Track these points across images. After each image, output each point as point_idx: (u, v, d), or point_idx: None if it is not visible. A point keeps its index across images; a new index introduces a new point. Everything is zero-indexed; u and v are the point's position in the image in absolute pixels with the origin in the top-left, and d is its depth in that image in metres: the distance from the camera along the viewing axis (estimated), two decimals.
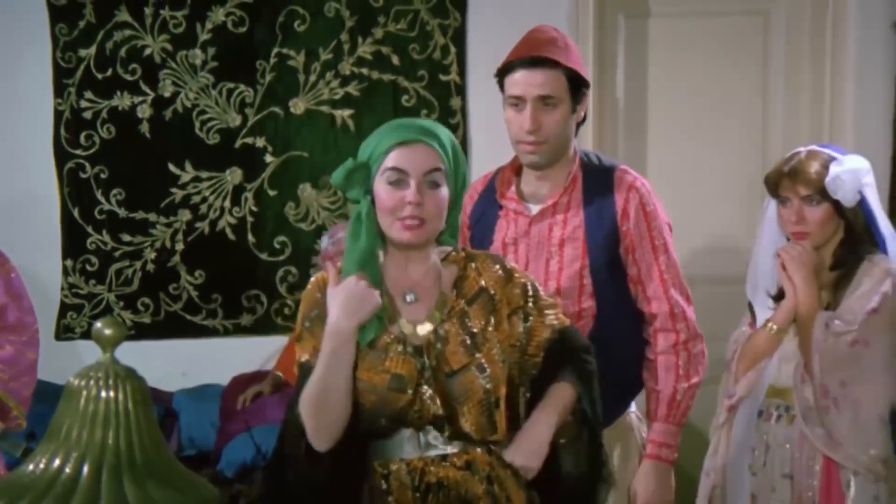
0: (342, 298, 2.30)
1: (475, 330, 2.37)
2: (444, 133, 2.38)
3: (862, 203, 3.01)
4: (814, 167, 2.99)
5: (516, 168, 3.10)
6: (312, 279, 2.47)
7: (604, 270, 2.98)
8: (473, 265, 2.43)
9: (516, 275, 2.45)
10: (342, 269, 2.37)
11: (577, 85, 2.96)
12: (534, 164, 3.00)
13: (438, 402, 2.30)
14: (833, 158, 3.01)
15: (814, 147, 3.09)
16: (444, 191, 2.35)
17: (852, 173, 2.98)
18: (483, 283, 2.41)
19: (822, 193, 2.98)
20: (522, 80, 2.94)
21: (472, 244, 3.06)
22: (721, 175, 4.73)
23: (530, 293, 2.43)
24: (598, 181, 3.02)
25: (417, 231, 2.33)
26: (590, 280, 2.98)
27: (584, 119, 3.04)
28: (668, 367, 3.01)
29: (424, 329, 2.36)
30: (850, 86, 4.66)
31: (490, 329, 2.37)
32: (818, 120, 4.73)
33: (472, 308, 2.39)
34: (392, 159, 2.33)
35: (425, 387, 2.31)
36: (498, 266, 2.44)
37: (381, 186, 2.34)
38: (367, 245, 2.36)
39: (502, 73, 2.99)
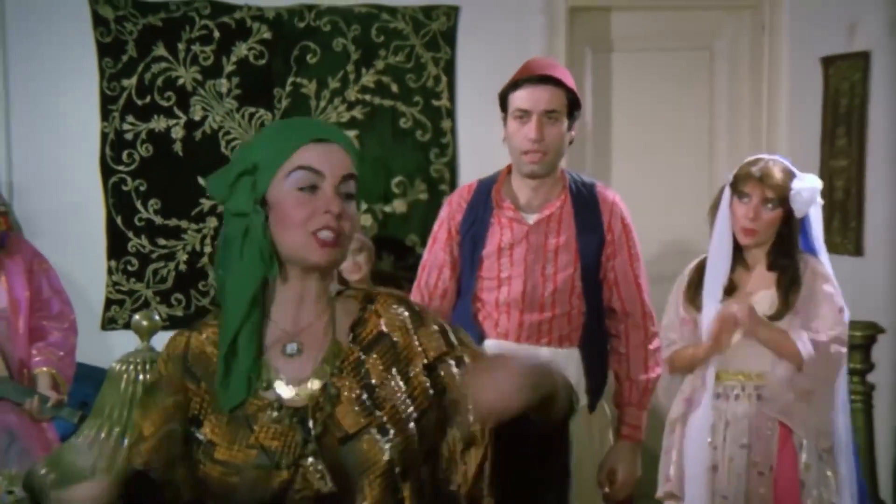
0: None
1: (374, 382, 1.65)
2: (351, 139, 1.74)
3: (804, 217, 2.99)
4: (780, 175, 2.95)
5: (508, 180, 3.04)
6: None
7: (592, 274, 2.99)
8: (372, 306, 1.72)
9: (427, 316, 1.73)
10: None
11: (572, 107, 2.94)
12: (534, 173, 2.95)
13: (328, 477, 1.60)
14: (793, 172, 2.98)
15: (775, 157, 3.06)
16: (354, 206, 1.68)
17: (811, 191, 2.95)
18: (383, 327, 1.69)
19: (781, 200, 2.95)
20: (530, 96, 2.89)
21: (464, 250, 3.03)
22: (673, 187, 4.76)
23: (452, 337, 1.72)
24: (584, 196, 3.00)
25: (335, 249, 1.64)
26: (580, 283, 2.97)
27: (572, 141, 3.02)
28: (640, 359, 3.01)
29: (309, 389, 1.65)
30: (783, 112, 4.71)
31: (392, 384, 1.65)
32: (757, 141, 4.77)
33: (370, 356, 1.67)
34: (303, 157, 1.63)
35: (311, 459, 1.60)
36: (403, 308, 1.72)
37: (286, 193, 1.63)
38: (261, 273, 1.65)
39: (507, 92, 2.94)
